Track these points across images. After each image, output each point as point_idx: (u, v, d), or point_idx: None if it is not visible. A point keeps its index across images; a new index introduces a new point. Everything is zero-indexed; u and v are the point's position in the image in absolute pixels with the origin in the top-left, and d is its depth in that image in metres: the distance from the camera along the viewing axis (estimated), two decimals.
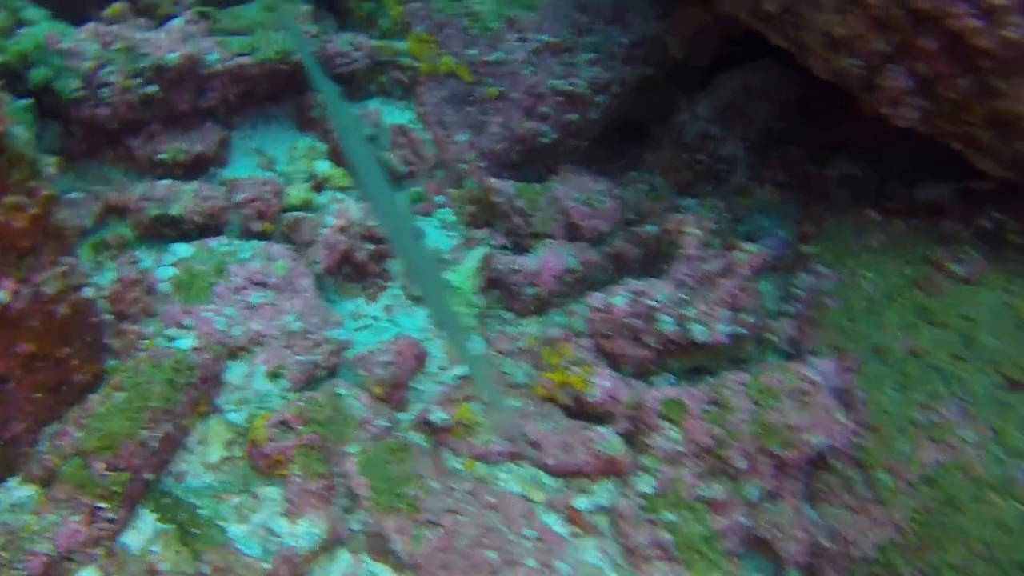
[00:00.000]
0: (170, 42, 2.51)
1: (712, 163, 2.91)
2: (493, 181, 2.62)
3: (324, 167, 2.72)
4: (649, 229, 2.57)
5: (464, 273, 2.42)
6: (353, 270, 2.47)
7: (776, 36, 2.35)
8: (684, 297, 2.18)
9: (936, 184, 2.56)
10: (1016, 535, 1.94)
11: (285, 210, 2.53)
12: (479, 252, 2.45)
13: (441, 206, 2.78)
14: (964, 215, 2.39)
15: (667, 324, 2.15)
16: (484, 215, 2.67)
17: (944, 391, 2.10)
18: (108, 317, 2.05)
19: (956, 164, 2.29)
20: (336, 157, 2.74)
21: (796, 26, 2.25)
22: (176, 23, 2.56)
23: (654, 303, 2.14)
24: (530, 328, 2.39)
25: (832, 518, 2.07)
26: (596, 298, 2.20)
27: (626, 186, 2.79)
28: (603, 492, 2.01)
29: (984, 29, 1.88)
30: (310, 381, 2.10)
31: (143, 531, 1.71)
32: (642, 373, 2.21)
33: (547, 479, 2.02)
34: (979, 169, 2.26)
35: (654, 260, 2.48)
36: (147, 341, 2.01)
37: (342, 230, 2.44)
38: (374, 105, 2.96)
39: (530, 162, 2.84)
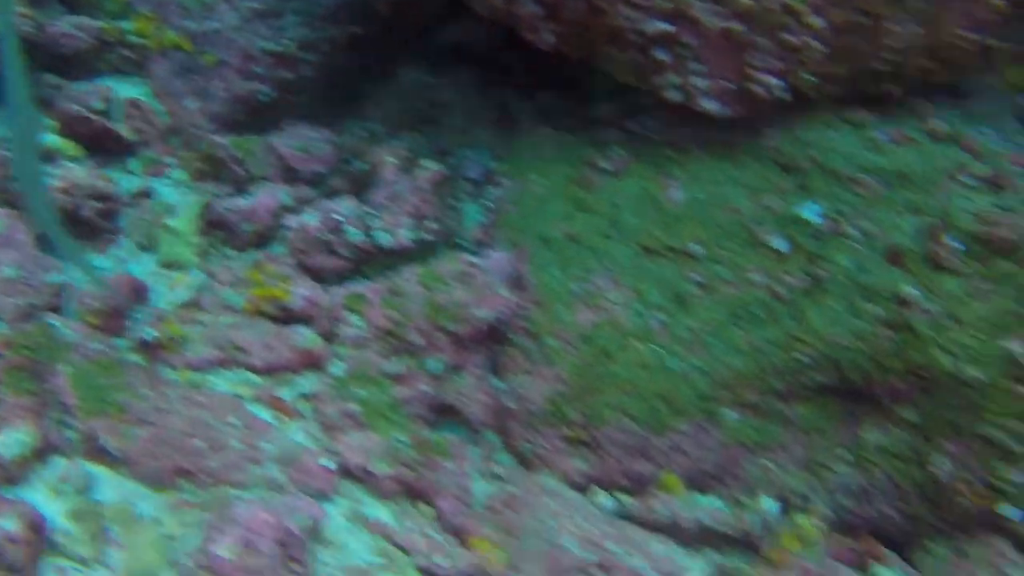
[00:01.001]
0: None
1: (428, 109, 3.25)
2: (213, 137, 2.86)
3: (55, 140, 2.88)
4: (360, 166, 2.87)
5: (185, 217, 2.65)
6: (81, 227, 2.66)
7: None
8: (371, 212, 2.49)
9: (610, 103, 2.98)
10: (654, 371, 2.36)
11: (9, 180, 2.67)
12: (198, 198, 2.68)
13: (172, 167, 2.99)
14: (617, 123, 2.82)
15: (355, 235, 2.46)
16: (211, 170, 2.90)
17: (596, 265, 2.49)
18: None
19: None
20: (67, 130, 2.92)
21: None
22: None
23: (340, 218, 2.45)
24: (249, 259, 2.64)
25: (515, 383, 2.43)
26: (292, 219, 2.49)
27: (345, 134, 3.08)
28: (304, 382, 2.30)
29: None
30: (26, 319, 2.28)
31: None
32: (341, 280, 2.51)
33: (255, 378, 2.29)
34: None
35: (362, 191, 2.78)
36: None
37: (65, 191, 2.62)
38: (106, 83, 3.13)
39: (256, 120, 3.07)
